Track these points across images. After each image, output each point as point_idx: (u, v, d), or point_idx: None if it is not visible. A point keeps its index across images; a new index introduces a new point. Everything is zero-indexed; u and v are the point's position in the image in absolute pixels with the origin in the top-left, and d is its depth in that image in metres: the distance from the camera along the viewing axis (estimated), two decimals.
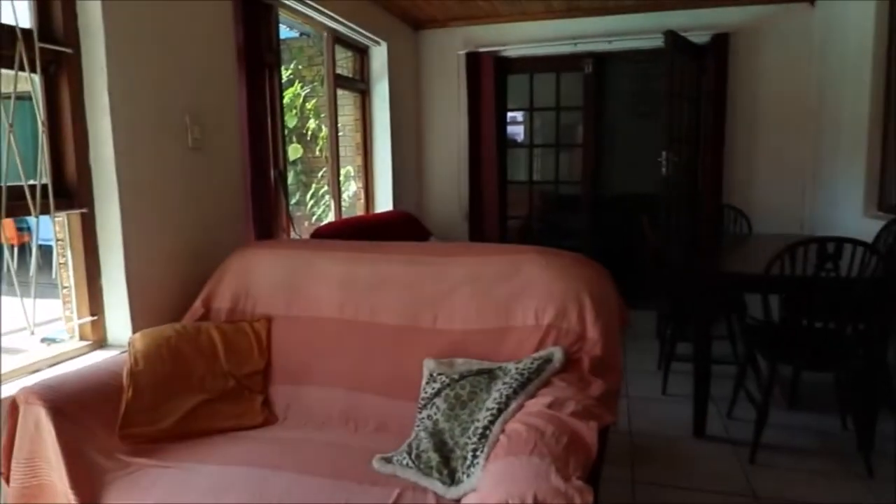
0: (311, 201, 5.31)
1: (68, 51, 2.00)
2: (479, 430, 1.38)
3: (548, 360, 1.53)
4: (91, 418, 1.67)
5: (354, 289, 2.00)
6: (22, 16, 1.87)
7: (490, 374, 1.58)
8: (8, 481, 1.64)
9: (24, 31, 1.85)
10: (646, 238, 3.19)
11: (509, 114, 5.00)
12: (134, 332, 2.07)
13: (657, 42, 3.86)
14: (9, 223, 8.34)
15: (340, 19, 3.68)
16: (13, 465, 1.63)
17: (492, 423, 1.38)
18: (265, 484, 1.51)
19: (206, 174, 2.44)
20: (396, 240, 2.43)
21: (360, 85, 4.36)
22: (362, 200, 4.44)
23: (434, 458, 1.45)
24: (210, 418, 1.85)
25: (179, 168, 2.31)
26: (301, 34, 4.36)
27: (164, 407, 1.80)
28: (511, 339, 1.69)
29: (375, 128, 4.44)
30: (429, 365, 1.72)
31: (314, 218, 5.30)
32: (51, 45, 1.95)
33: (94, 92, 2.04)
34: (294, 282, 2.12)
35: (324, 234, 3.03)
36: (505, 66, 4.79)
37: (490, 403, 1.44)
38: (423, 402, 1.65)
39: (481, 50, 4.70)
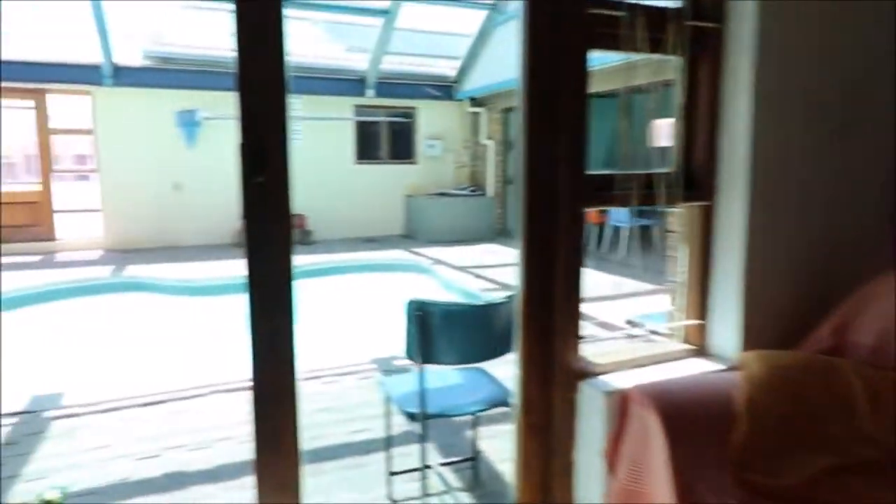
0: None
1: (714, 26, 1.81)
2: None
3: None
4: (702, 443, 1.47)
5: None
6: None
7: None
8: (613, 473, 1.61)
9: (672, 10, 1.74)
10: None
11: None
12: (743, 348, 1.79)
13: None
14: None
15: None
16: (618, 459, 1.60)
17: None
18: None
19: (846, 168, 1.92)
20: None
21: None
22: None
23: None
24: (842, 493, 1.39)
25: (818, 159, 1.87)
26: None
27: (786, 458, 1.44)
28: None
29: None
30: None
31: None
32: (697, 23, 1.80)
33: (736, 70, 1.79)
34: None
35: None
36: None
37: None
38: None
39: None
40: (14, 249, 8.59)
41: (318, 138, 9.79)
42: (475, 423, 2.50)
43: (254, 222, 1.41)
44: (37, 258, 8.45)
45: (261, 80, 1.39)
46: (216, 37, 10.11)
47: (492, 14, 9.43)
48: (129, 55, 8.99)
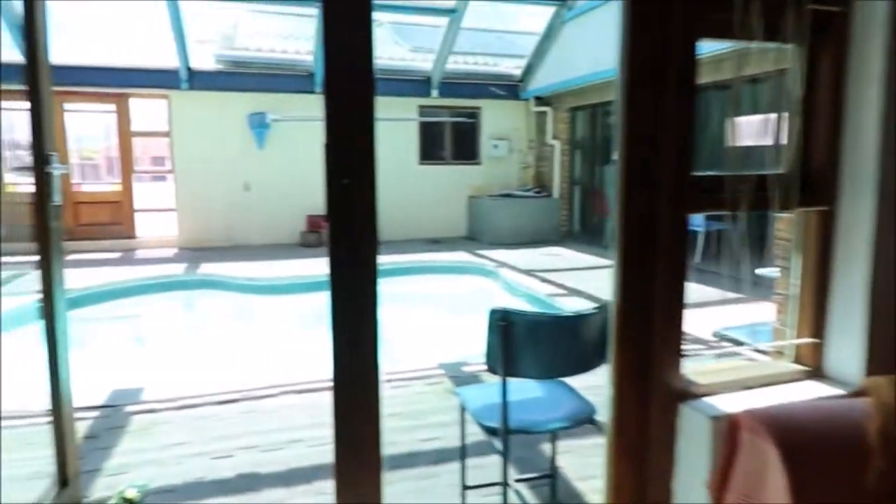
0: None
1: (839, 10, 1.62)
2: None
3: None
4: (829, 479, 1.30)
5: None
6: None
7: None
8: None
9: None
10: None
11: None
12: (867, 371, 1.59)
13: None
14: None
15: None
16: (726, 492, 1.44)
17: None
18: None
19: None
20: None
21: None
22: None
23: None
24: None
25: None
26: None
27: None
28: None
29: None
30: None
31: None
32: (820, 6, 1.61)
33: (864, 58, 1.59)
34: None
35: None
36: None
37: None
38: None
39: None
40: (97, 246, 9.06)
41: (381, 139, 9.76)
42: (553, 438, 2.38)
43: (338, 223, 1.35)
44: (117, 255, 8.88)
45: (348, 80, 1.33)
46: (284, 40, 10.36)
47: (559, 11, 9.22)
48: (203, 59, 9.32)
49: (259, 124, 9.64)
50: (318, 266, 7.61)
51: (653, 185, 1.53)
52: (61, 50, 8.12)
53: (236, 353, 5.40)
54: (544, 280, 6.67)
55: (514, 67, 10.83)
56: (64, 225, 8.09)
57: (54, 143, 2.08)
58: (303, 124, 9.66)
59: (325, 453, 2.74)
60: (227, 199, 9.74)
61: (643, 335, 1.57)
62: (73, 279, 6.30)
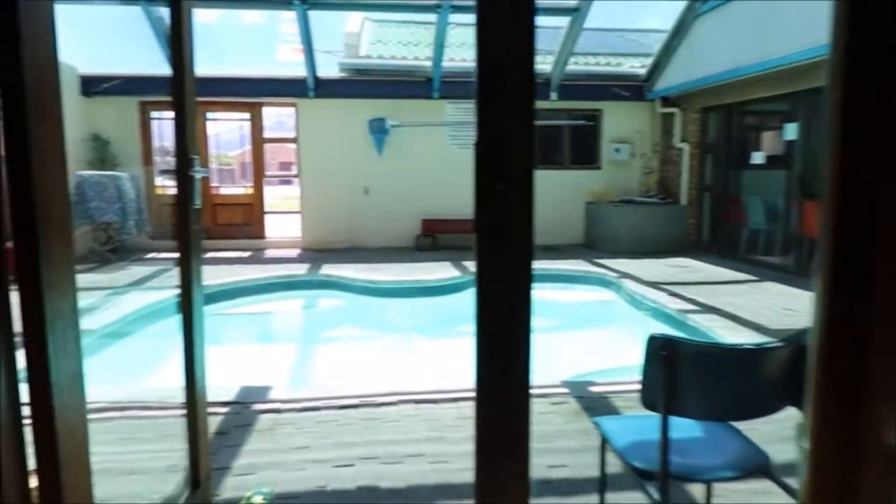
0: None
1: None
2: None
3: None
4: None
5: None
6: None
7: None
8: None
9: None
10: None
11: None
12: None
13: None
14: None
15: None
16: None
17: None
18: None
19: None
20: None
21: None
22: None
23: None
24: None
25: None
26: None
27: None
28: None
29: None
30: None
31: None
32: None
33: None
34: None
35: None
36: None
37: None
38: None
39: None
40: (231, 245, 9.70)
41: None
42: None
43: (490, 231, 1.18)
44: (247, 254, 9.44)
45: (504, 77, 1.15)
46: (404, 48, 10.54)
47: (692, 5, 8.59)
48: (328, 68, 9.71)
49: (378, 130, 9.87)
50: (434, 270, 7.60)
51: (875, 192, 1.23)
52: (203, 63, 8.77)
53: (354, 355, 5.47)
54: (673, 294, 6.17)
55: (638, 67, 10.28)
56: (204, 224, 8.66)
57: (197, 148, 2.11)
58: (418, 130, 9.76)
59: (446, 472, 2.62)
60: (348, 202, 10.05)
61: (854, 378, 1.26)
62: (208, 276, 6.75)
